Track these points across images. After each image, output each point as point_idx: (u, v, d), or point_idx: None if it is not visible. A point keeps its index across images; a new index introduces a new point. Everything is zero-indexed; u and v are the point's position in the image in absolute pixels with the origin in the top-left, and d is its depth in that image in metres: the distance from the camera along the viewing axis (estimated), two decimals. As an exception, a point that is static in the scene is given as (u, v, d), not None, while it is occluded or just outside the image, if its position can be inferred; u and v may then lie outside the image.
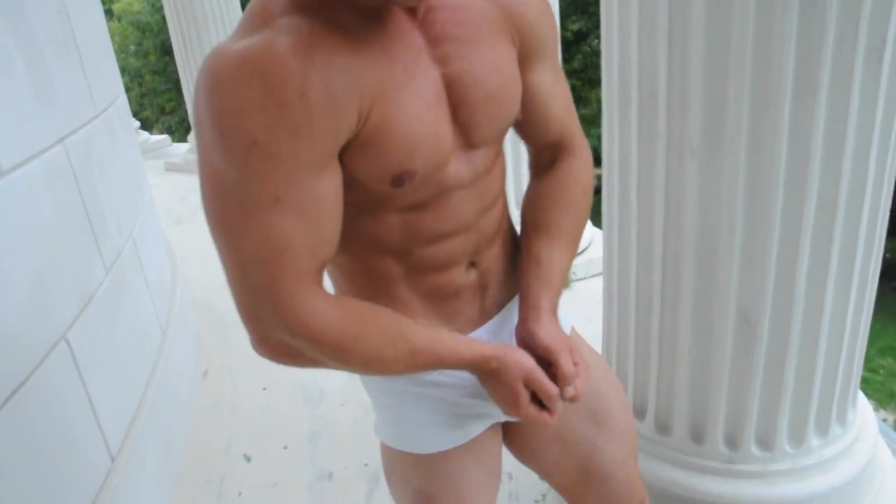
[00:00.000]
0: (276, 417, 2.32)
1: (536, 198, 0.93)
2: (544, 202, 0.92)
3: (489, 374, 0.80)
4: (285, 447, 2.15)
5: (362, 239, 0.81)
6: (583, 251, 3.02)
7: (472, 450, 0.95)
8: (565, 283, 0.92)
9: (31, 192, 1.37)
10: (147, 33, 14.11)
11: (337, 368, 0.76)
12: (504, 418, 0.96)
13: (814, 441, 1.39)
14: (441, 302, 0.87)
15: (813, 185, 1.20)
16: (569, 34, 12.94)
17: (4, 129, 1.29)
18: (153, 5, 13.13)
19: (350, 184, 0.73)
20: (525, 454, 1.05)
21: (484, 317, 0.91)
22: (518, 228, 0.97)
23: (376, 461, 1.16)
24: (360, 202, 0.77)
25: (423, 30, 0.75)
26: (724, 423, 1.39)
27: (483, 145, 0.81)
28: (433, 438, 0.92)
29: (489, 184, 0.84)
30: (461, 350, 0.79)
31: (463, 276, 0.87)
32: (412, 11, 0.74)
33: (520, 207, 0.96)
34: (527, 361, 0.80)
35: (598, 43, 1.38)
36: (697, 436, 1.43)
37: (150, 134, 7.94)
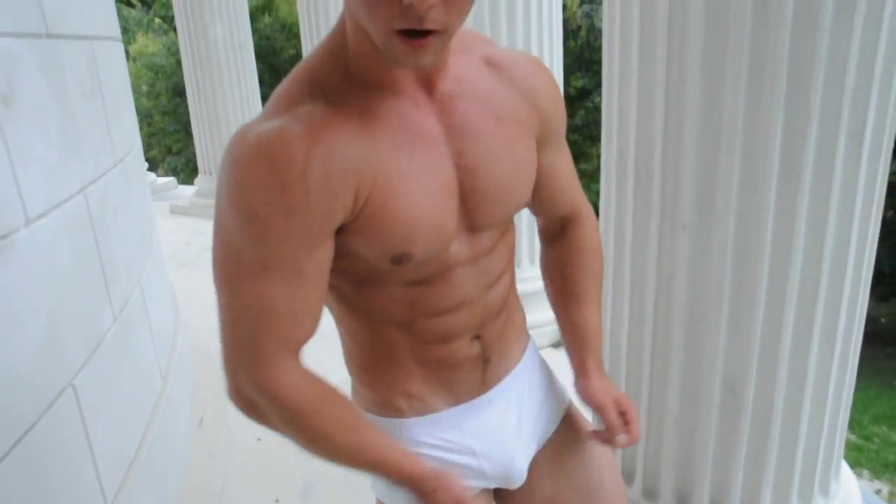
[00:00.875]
0: (269, 469, 2.33)
1: (558, 267, 1.01)
2: (567, 271, 1.00)
3: (424, 494, 0.84)
4: (276, 501, 2.16)
5: (369, 308, 0.86)
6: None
7: None
8: (601, 338, 1.02)
9: (52, 240, 1.42)
10: (160, 75, 14.44)
11: (287, 436, 0.80)
12: (495, 485, 0.99)
13: (798, 511, 1.42)
14: (443, 371, 0.90)
15: (797, 261, 1.26)
16: (572, 90, 13.26)
17: (34, 179, 1.35)
18: (168, 49, 13.47)
19: (354, 257, 0.79)
20: None
21: (483, 388, 0.94)
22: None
23: (369, 517, 1.19)
24: (364, 274, 0.82)
25: (442, 117, 0.78)
26: (710, 489, 1.42)
27: (487, 229, 0.85)
28: None
29: (493, 262, 0.88)
30: (403, 464, 0.83)
31: (466, 349, 0.90)
32: (431, 90, 0.78)
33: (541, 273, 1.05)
34: (459, 490, 0.84)
35: (601, 100, 1.47)
36: (683, 502, 1.46)
37: (156, 173, 8.07)
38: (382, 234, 0.76)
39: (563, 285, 1.00)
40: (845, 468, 1.57)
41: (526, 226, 2.85)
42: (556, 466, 1.00)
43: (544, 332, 2.63)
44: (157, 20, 14.01)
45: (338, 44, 0.76)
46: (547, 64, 2.30)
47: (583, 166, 12.74)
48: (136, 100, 14.43)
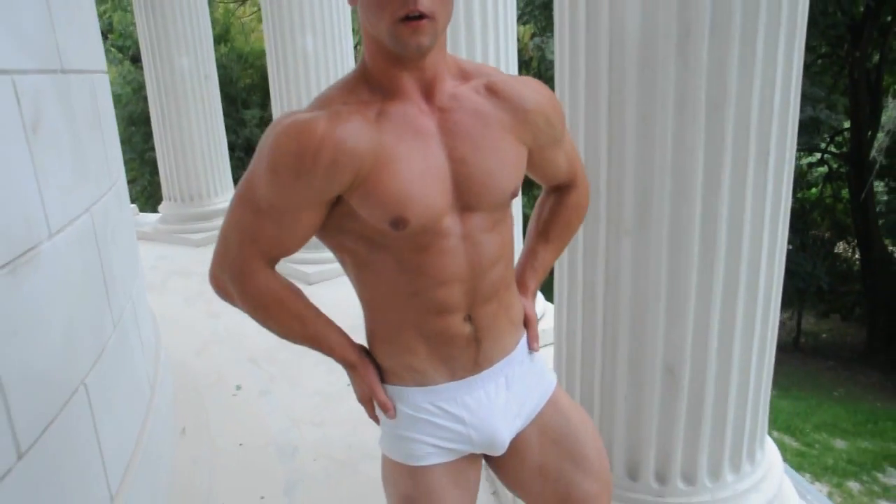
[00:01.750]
0: (252, 471, 2.46)
1: (545, 213, 1.27)
2: (549, 217, 1.27)
3: (351, 372, 1.15)
4: (262, 497, 2.29)
5: (379, 277, 1.06)
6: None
7: (453, 470, 1.16)
8: (548, 272, 1.31)
9: (68, 253, 1.58)
10: (115, 104, 14.32)
11: (250, 316, 1.08)
12: (481, 451, 1.18)
13: (728, 477, 1.65)
14: (439, 346, 1.08)
15: (720, 260, 1.51)
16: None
17: (54, 197, 1.51)
18: (124, 78, 13.38)
19: (364, 224, 1.01)
20: (512, 484, 1.25)
21: (476, 368, 1.12)
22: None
23: None
24: (375, 239, 1.03)
25: (439, 122, 1.01)
26: (655, 462, 1.64)
27: (478, 210, 1.04)
28: (420, 454, 1.14)
29: (485, 243, 1.05)
30: (335, 349, 1.13)
31: (459, 326, 1.07)
32: (434, 104, 1.02)
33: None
34: (373, 380, 1.13)
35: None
36: (633, 474, 1.68)
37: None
38: (379, 201, 0.98)
39: (542, 224, 1.26)
40: (769, 440, 1.81)
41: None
42: (543, 438, 1.18)
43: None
44: (114, 50, 13.94)
45: (362, 68, 1.03)
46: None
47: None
48: (90, 128, 14.32)
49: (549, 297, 2.45)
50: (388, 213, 0.98)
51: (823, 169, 13.51)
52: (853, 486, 6.52)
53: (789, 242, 3.71)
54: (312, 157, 0.95)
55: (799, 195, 12.98)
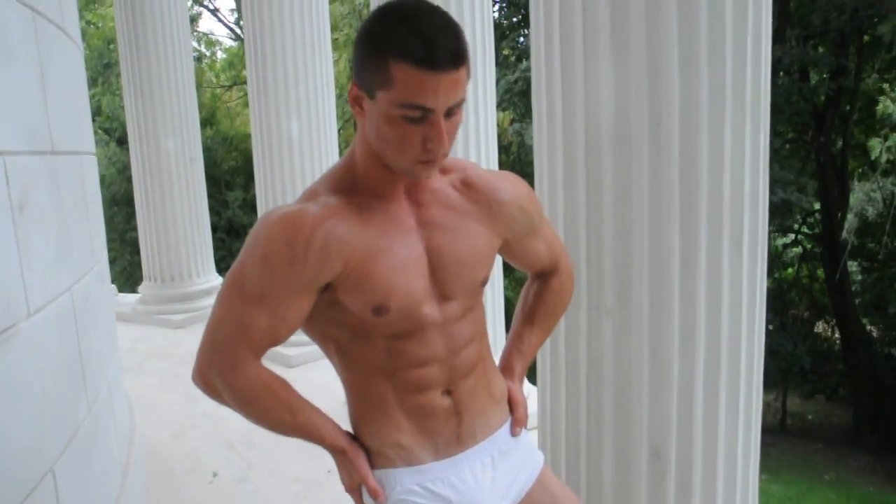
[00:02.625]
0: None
1: (530, 298, 1.30)
2: (534, 302, 1.30)
3: (341, 458, 1.12)
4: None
5: (360, 360, 1.10)
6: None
7: None
8: (534, 355, 1.34)
9: (46, 332, 1.56)
10: (100, 185, 14.43)
11: (238, 411, 1.07)
12: None
13: (721, 564, 1.60)
14: (422, 419, 1.11)
15: (700, 339, 1.53)
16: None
17: (35, 276, 1.51)
18: (109, 159, 13.54)
19: (346, 311, 1.04)
20: None
21: (460, 442, 1.14)
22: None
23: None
24: (356, 327, 1.06)
25: (417, 217, 1.08)
26: (645, 549, 1.59)
27: (454, 298, 1.10)
28: None
29: (460, 329, 1.12)
30: (324, 436, 1.10)
31: (438, 400, 1.11)
32: (413, 203, 1.08)
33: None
34: (363, 464, 1.11)
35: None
36: (623, 562, 1.62)
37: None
38: (365, 290, 1.03)
39: (527, 309, 1.30)
40: (758, 524, 1.77)
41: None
42: None
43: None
44: (101, 132, 14.16)
45: (351, 161, 1.08)
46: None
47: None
48: (73, 208, 14.38)
49: (532, 378, 2.45)
50: (372, 301, 1.03)
51: (798, 249, 13.80)
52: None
53: (769, 322, 3.75)
54: (304, 244, 0.98)
55: (776, 275, 13.19)
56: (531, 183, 1.38)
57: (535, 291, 1.31)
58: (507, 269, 4.09)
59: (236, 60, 15.46)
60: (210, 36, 17.08)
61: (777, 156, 11.23)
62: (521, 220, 1.18)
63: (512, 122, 12.54)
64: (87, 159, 2.20)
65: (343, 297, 1.04)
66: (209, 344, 1.04)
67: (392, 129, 0.97)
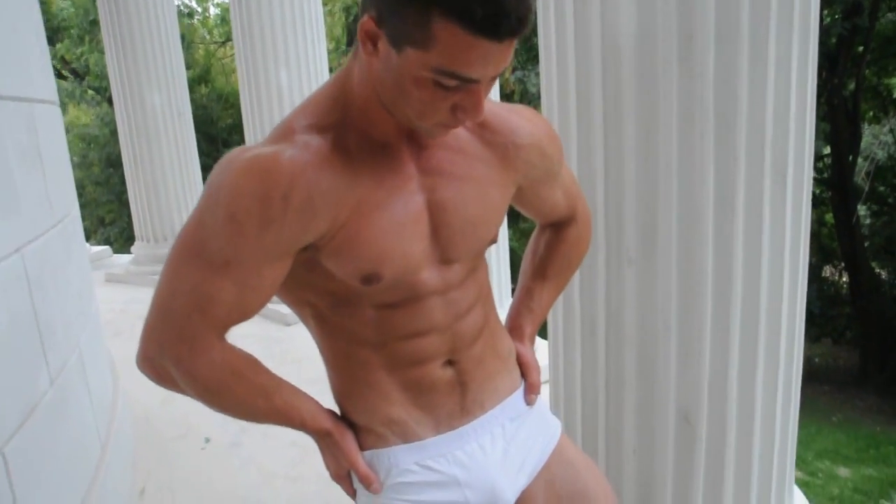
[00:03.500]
0: (218, 537, 2.22)
1: (541, 249, 1.12)
2: (546, 254, 1.12)
3: (326, 442, 0.95)
4: (228, 569, 2.05)
5: (343, 329, 0.91)
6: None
7: None
8: (545, 316, 1.15)
9: (-13, 299, 1.37)
10: (93, 146, 14.14)
11: (201, 400, 0.88)
12: None
13: (757, 537, 1.44)
14: (420, 394, 0.94)
15: (737, 289, 1.33)
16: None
17: (-32, 237, 1.31)
18: (102, 119, 13.26)
19: (329, 276, 0.85)
20: None
21: (465, 413, 0.97)
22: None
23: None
24: (340, 294, 0.88)
25: (418, 163, 0.87)
26: (672, 521, 1.43)
27: (457, 261, 0.91)
28: None
29: (462, 295, 0.93)
30: (306, 418, 0.92)
31: (438, 372, 0.94)
32: (414, 144, 0.87)
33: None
34: (351, 447, 0.94)
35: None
36: (647, 536, 1.46)
37: (89, 244, 7.80)
38: (353, 255, 0.83)
39: (538, 261, 1.12)
40: (797, 490, 1.61)
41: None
42: (550, 494, 1.02)
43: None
44: (91, 91, 13.82)
45: (340, 93, 0.84)
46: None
47: (522, 224, 13.01)
48: (67, 170, 14.19)
49: (541, 334, 2.26)
50: (362, 268, 0.84)
51: (807, 195, 13.55)
52: (861, 517, 6.30)
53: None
54: (282, 199, 0.77)
55: (784, 221, 12.95)
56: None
57: (548, 241, 1.13)
58: (512, 219, 3.83)
59: (229, 16, 14.95)
60: (200, -11, 16.51)
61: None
62: (539, 166, 0.97)
63: (514, 70, 12.17)
64: (43, 108, 1.98)
65: (326, 261, 0.85)
66: (159, 322, 0.83)
67: (418, 90, 0.75)
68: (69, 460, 1.77)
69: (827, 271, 14.07)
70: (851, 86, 11.98)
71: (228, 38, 15.21)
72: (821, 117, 11.91)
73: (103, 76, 13.45)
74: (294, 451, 2.75)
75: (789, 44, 1.28)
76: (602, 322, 1.43)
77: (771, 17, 1.25)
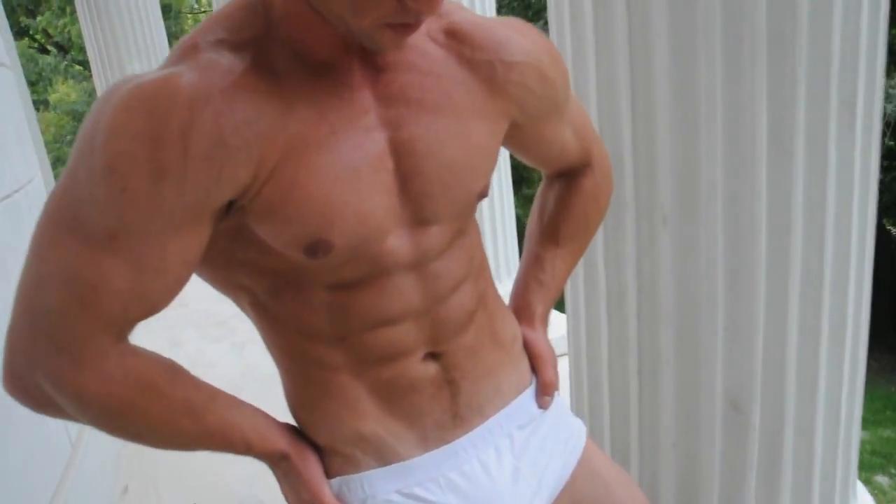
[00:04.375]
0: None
1: (550, 205, 0.92)
2: (556, 212, 0.91)
3: (283, 467, 0.75)
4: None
5: (290, 319, 0.71)
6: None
7: None
8: (560, 291, 0.93)
9: None
10: (79, 120, 14.02)
11: (97, 426, 0.66)
12: None
13: (819, 541, 1.24)
14: (395, 399, 0.75)
15: (797, 251, 1.11)
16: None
17: None
18: (89, 95, 13.08)
19: (266, 249, 0.65)
20: None
21: (459, 422, 0.77)
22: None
23: None
24: (281, 272, 0.68)
25: (375, 89, 0.66)
26: (719, 524, 1.23)
27: (437, 222, 0.70)
28: None
29: (445, 267, 0.73)
30: (251, 438, 0.71)
31: (418, 369, 0.74)
32: (369, 66, 0.65)
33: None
34: (314, 473, 0.74)
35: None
36: (689, 540, 1.27)
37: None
38: (291, 215, 0.62)
39: (548, 222, 0.92)
40: (861, 488, 1.41)
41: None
42: None
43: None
44: (77, 66, 13.59)
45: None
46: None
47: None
48: (58, 148, 13.99)
49: (558, 307, 2.03)
50: (305, 234, 0.64)
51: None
52: (882, 480, 6.24)
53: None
54: (179, 139, 0.56)
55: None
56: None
57: (558, 195, 0.91)
58: (514, 184, 3.50)
59: (215, -18, 14.63)
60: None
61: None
62: (538, 93, 0.75)
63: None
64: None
65: (256, 226, 0.64)
66: (27, 325, 0.60)
67: None
68: (26, 465, 1.59)
69: (836, 229, 13.99)
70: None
71: (217, 7, 14.91)
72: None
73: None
74: (289, 439, 2.59)
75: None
76: (633, 294, 1.22)
77: None
